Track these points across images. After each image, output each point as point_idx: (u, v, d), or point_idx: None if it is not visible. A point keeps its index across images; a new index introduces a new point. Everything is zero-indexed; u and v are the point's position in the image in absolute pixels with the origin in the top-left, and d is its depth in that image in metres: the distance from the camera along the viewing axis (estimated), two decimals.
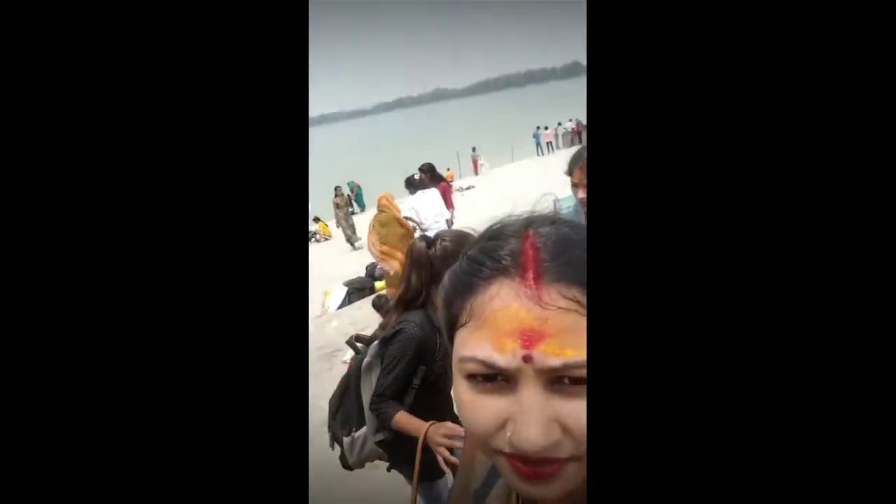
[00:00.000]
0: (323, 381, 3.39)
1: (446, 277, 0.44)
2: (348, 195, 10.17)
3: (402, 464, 1.58)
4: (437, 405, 1.51)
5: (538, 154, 20.56)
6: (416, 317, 1.50)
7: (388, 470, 1.70)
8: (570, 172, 1.58)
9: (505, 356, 0.37)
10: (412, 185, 5.00)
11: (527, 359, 0.36)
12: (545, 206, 0.43)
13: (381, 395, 1.49)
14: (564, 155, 1.76)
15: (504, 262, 0.39)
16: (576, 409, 0.36)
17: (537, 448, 0.36)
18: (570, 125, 20.74)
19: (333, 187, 10.78)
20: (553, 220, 0.42)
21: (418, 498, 1.40)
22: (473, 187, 14.19)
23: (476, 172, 18.51)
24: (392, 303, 1.62)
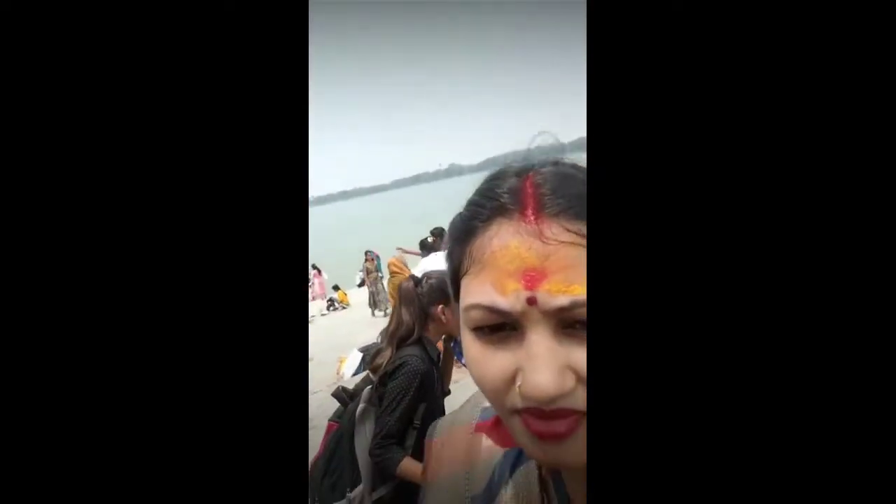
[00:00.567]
0: None
1: (448, 228, 0.41)
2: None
3: None
4: None
5: None
6: (415, 350, 1.50)
7: None
8: None
9: (508, 299, 0.34)
10: (424, 248, 5.25)
11: (531, 301, 0.33)
12: (546, 142, 0.41)
13: (385, 436, 1.43)
14: None
15: (502, 200, 0.36)
16: (583, 357, 0.33)
17: (549, 395, 0.32)
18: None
19: (364, 252, 10.88)
20: (555, 161, 0.40)
21: None
22: None
23: None
24: (384, 342, 1.62)
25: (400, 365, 1.49)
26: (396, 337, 1.55)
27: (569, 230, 0.34)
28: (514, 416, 0.36)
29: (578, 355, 0.34)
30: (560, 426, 0.34)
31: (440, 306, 1.55)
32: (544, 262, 0.34)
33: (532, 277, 0.33)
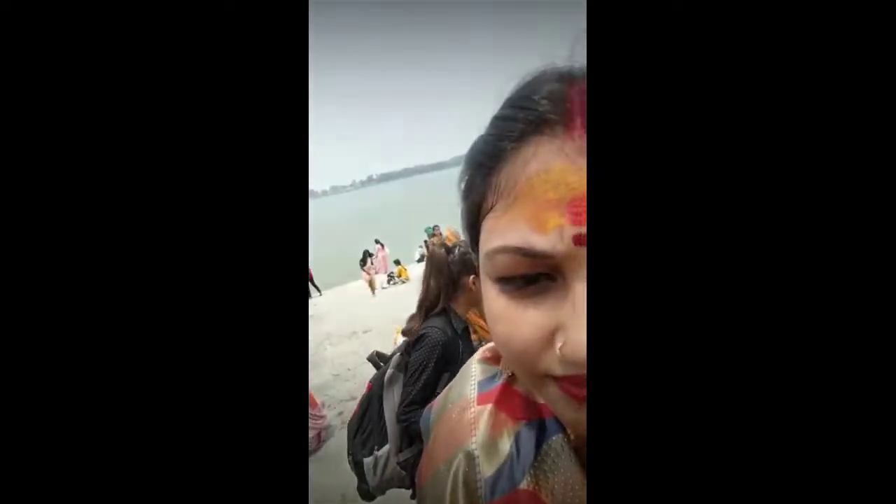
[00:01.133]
0: None
1: (467, 154, 0.33)
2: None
3: None
4: None
5: None
6: (437, 322, 1.52)
7: (412, 497, 1.64)
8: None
9: (549, 237, 0.27)
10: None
11: (579, 240, 0.27)
12: (581, 52, 0.31)
13: (409, 403, 1.47)
14: None
15: (541, 109, 0.28)
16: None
17: (578, 356, 0.26)
18: None
19: (430, 228, 10.27)
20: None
21: None
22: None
23: None
24: (414, 312, 1.63)
25: (421, 336, 1.51)
26: (424, 306, 1.57)
27: None
28: (549, 384, 0.30)
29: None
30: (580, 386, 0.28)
31: (472, 276, 1.54)
32: (575, 183, 0.26)
33: (580, 209, 0.27)
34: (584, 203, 0.26)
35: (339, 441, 3.35)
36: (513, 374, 0.40)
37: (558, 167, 0.27)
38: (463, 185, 0.33)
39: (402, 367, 1.58)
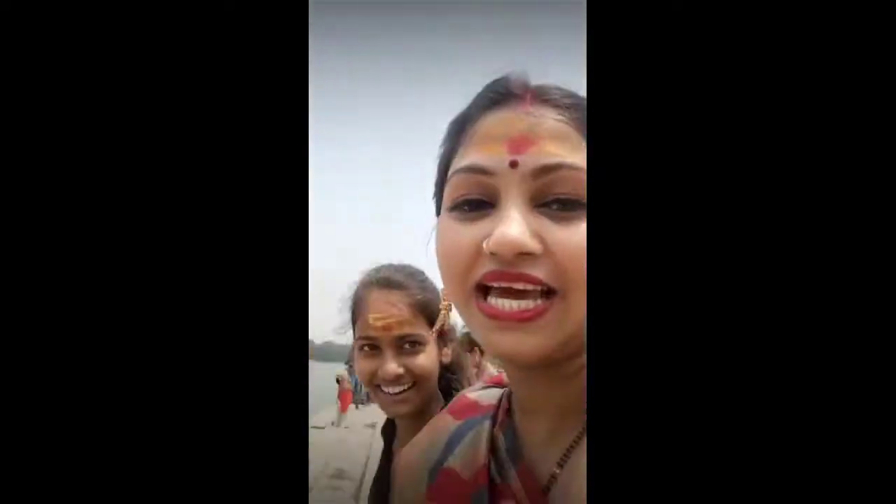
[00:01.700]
0: None
1: (446, 128, 0.42)
2: None
3: None
4: None
5: None
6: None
7: None
8: None
9: (491, 157, 0.35)
10: None
11: (513, 164, 0.34)
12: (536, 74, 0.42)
13: None
14: None
15: (510, 87, 0.38)
16: (561, 233, 0.33)
17: (515, 242, 0.32)
18: None
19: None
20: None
21: None
22: None
23: None
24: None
25: None
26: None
27: (561, 112, 0.36)
28: (473, 298, 0.35)
29: (549, 229, 0.33)
30: (524, 314, 0.33)
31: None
32: (535, 129, 0.34)
33: (517, 142, 0.34)
34: (523, 138, 0.34)
35: None
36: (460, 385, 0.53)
37: (509, 116, 0.36)
38: (441, 148, 0.41)
39: None
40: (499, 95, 0.38)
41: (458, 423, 0.49)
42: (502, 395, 0.49)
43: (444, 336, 1.01)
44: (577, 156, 0.34)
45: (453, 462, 0.47)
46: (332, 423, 10.08)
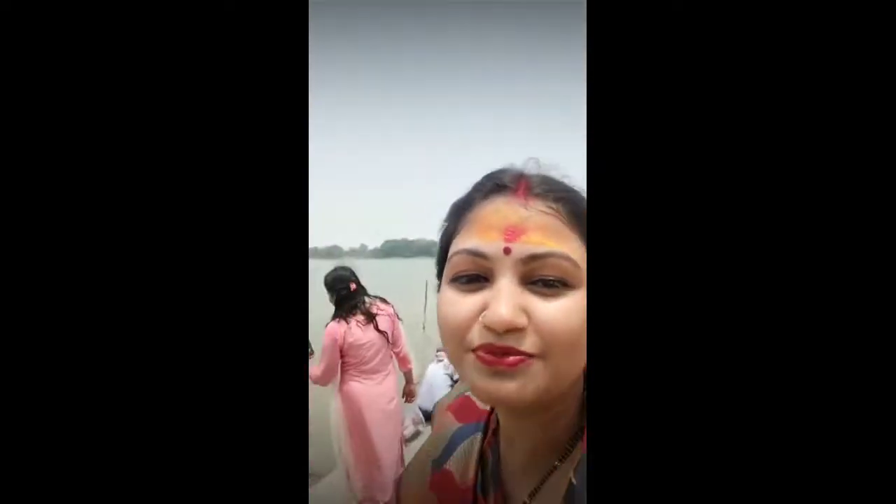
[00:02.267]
0: None
1: (449, 209, 0.49)
2: None
3: None
4: None
5: None
6: None
7: None
8: None
9: (488, 244, 0.41)
10: None
11: (507, 250, 0.40)
12: (532, 166, 0.48)
13: None
14: None
15: (504, 180, 0.44)
16: (545, 308, 0.39)
17: (504, 323, 0.38)
18: None
19: None
20: (541, 173, 0.46)
21: None
22: None
23: None
24: None
25: None
26: None
27: (550, 206, 0.42)
28: (468, 356, 0.41)
29: (534, 304, 0.40)
30: (508, 360, 0.39)
31: None
32: (525, 222, 0.41)
33: (512, 231, 0.41)
34: (516, 228, 0.41)
35: None
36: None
37: (504, 207, 0.43)
38: (444, 226, 0.48)
39: None
40: (496, 187, 0.44)
41: (458, 425, 0.57)
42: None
43: None
44: (563, 244, 0.41)
45: (450, 465, 0.55)
46: None
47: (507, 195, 0.43)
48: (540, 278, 0.40)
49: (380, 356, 2.47)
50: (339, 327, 2.39)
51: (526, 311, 0.39)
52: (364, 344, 2.42)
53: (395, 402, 2.53)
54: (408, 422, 3.86)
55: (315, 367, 2.43)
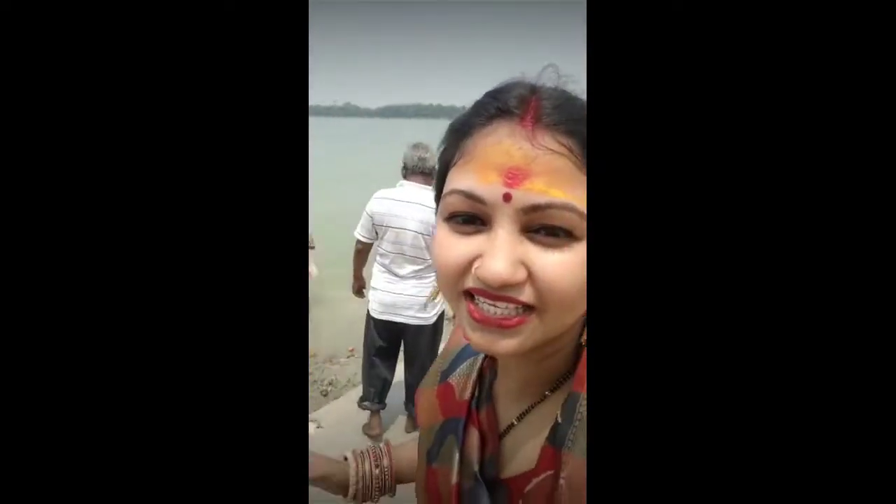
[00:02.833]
0: None
1: (447, 127, 0.44)
2: None
3: None
4: None
5: None
6: None
7: None
8: None
9: (487, 187, 0.37)
10: None
11: (507, 197, 0.36)
12: (549, 77, 0.43)
13: None
14: None
15: (509, 103, 0.38)
16: (545, 259, 0.37)
17: (500, 279, 0.36)
18: None
19: None
20: (560, 87, 0.42)
21: None
22: None
23: None
24: None
25: None
26: None
27: (560, 142, 0.37)
28: (462, 301, 0.40)
29: (534, 255, 0.37)
30: (504, 321, 0.38)
31: None
32: (530, 164, 0.36)
33: (514, 175, 0.36)
34: (519, 171, 0.36)
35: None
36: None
37: (507, 142, 0.37)
38: (439, 151, 0.44)
39: None
40: (498, 111, 0.39)
41: (464, 344, 0.59)
42: None
43: None
44: (571, 192, 0.36)
45: (453, 379, 0.58)
46: None
47: (513, 122, 0.38)
48: (541, 226, 0.37)
49: None
50: None
51: (525, 263, 0.37)
52: None
53: None
54: None
55: None
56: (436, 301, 2.10)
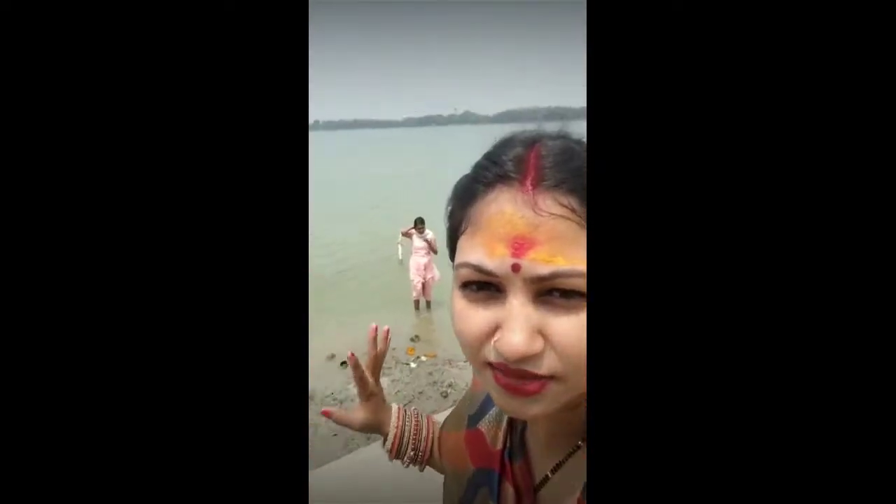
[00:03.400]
0: None
1: (452, 189, 0.44)
2: None
3: None
4: None
5: None
6: None
7: None
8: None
9: (494, 261, 0.37)
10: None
11: (515, 268, 0.36)
12: (553, 126, 0.43)
13: None
14: None
15: (507, 167, 0.38)
16: (562, 324, 0.36)
17: (519, 353, 0.36)
18: None
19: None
20: (563, 134, 0.41)
21: None
22: None
23: None
24: None
25: None
26: None
27: (561, 204, 0.36)
28: (486, 369, 0.40)
29: (551, 322, 0.37)
30: (527, 386, 0.38)
31: None
32: (533, 232, 0.36)
33: (520, 245, 0.36)
34: (524, 240, 0.36)
35: None
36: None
37: (509, 211, 0.37)
38: (447, 211, 0.44)
39: None
40: (497, 177, 0.39)
41: (474, 469, 0.56)
42: None
43: None
44: (573, 256, 0.36)
45: (483, 425, 0.56)
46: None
47: (514, 188, 0.37)
48: (553, 288, 0.36)
49: None
50: None
51: (542, 332, 0.37)
52: None
53: None
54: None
55: None
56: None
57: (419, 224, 5.84)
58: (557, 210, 0.36)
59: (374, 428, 0.70)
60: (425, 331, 5.18)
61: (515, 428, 0.53)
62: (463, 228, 0.41)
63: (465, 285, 0.40)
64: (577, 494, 0.43)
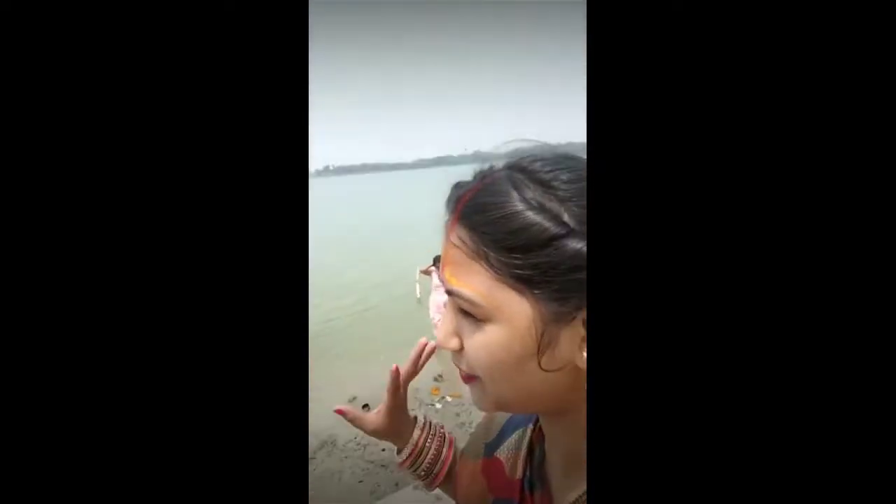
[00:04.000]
0: None
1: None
2: None
3: None
4: None
5: None
6: None
7: None
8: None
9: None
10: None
11: (443, 281, 0.44)
12: (507, 150, 0.46)
13: None
14: None
15: (449, 205, 0.44)
16: (467, 336, 0.42)
17: (439, 345, 0.46)
18: None
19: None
20: (510, 165, 0.43)
21: None
22: None
23: None
24: None
25: None
26: None
27: (459, 238, 0.41)
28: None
29: (463, 331, 0.43)
30: (463, 375, 0.45)
31: None
32: (445, 256, 0.43)
33: (442, 265, 0.44)
34: (443, 263, 0.44)
35: None
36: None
37: (445, 233, 0.44)
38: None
39: None
40: (448, 210, 0.45)
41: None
42: None
43: None
44: (465, 281, 0.41)
45: (501, 454, 0.57)
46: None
47: (450, 220, 0.43)
48: (463, 309, 0.42)
49: None
50: None
51: (458, 335, 0.44)
52: None
53: None
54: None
55: None
56: None
57: (437, 262, 5.81)
58: (455, 240, 0.41)
59: (387, 437, 0.69)
60: (449, 370, 5.06)
61: (534, 456, 0.54)
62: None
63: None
64: None
